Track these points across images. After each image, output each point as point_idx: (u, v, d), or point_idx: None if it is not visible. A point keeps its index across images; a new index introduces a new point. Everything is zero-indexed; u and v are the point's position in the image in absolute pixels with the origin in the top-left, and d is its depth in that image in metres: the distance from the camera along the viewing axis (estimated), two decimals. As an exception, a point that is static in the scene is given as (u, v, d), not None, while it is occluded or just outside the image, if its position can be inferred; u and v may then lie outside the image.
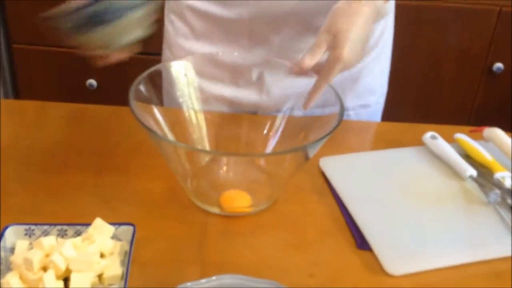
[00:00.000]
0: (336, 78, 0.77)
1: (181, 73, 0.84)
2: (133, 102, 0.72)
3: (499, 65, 1.75)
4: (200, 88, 0.86)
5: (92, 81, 1.80)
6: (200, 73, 0.86)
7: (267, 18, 0.90)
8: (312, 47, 0.76)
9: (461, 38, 1.73)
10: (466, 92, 1.83)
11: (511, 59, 1.74)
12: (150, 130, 0.70)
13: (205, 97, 0.87)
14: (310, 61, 0.75)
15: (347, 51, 0.74)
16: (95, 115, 0.95)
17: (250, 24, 0.91)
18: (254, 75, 0.89)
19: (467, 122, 1.87)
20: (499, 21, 1.69)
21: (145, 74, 0.77)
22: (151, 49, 1.74)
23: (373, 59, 0.99)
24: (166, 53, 1.06)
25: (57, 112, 0.90)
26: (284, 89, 0.93)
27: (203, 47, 0.96)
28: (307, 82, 0.86)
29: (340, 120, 0.72)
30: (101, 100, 1.81)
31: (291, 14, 0.89)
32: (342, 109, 0.74)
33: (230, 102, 0.95)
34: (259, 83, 0.93)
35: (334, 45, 0.75)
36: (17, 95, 1.85)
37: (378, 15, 0.79)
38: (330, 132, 0.71)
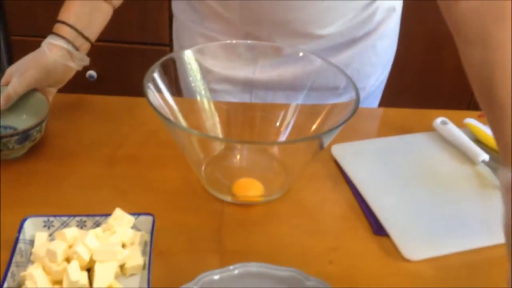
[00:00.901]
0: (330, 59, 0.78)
1: (192, 60, 0.84)
2: (149, 91, 0.72)
3: (499, 50, 1.75)
4: (201, 66, 0.86)
5: (92, 72, 1.79)
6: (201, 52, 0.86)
7: (257, 23, 0.91)
8: None
9: (462, 24, 1.73)
10: (466, 77, 1.83)
11: (511, 44, 1.75)
12: (166, 118, 0.69)
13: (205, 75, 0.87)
14: None
15: None
16: (100, 106, 0.94)
17: (241, 25, 0.92)
18: (248, 55, 0.89)
19: (468, 107, 1.87)
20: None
21: (158, 63, 0.77)
22: (151, 39, 1.74)
23: (371, 43, 0.99)
24: (175, 42, 1.07)
25: (62, 102, 0.90)
26: (277, 70, 0.93)
27: (207, 29, 0.95)
28: (300, 66, 0.87)
29: (356, 109, 0.72)
30: (101, 91, 1.81)
31: (278, 23, 0.90)
32: (358, 97, 0.74)
33: (224, 78, 0.94)
34: (253, 63, 0.93)
35: None
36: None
37: None
38: (346, 121, 0.71)
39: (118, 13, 1.89)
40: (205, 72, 0.86)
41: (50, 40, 0.83)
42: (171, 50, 1.55)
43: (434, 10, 1.86)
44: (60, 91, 0.95)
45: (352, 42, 0.96)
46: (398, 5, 1.00)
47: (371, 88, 1.05)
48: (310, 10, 0.89)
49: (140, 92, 0.73)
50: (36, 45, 1.85)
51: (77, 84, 1.91)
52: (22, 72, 0.81)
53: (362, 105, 0.97)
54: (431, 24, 1.73)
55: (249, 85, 0.95)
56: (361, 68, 0.99)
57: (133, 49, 1.78)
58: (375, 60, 1.01)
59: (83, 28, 0.84)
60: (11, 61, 1.81)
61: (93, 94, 0.97)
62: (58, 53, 0.82)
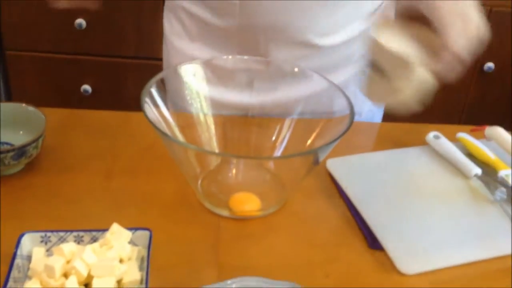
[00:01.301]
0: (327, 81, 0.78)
1: (190, 76, 0.84)
2: (146, 106, 0.72)
3: (490, 65, 1.78)
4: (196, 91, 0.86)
5: (87, 87, 1.80)
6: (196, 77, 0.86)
7: (255, 30, 0.91)
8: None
9: (453, 39, 1.75)
10: (458, 91, 1.85)
11: (502, 58, 1.77)
12: (163, 133, 0.70)
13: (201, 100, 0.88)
14: None
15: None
16: (95, 120, 0.95)
17: (238, 34, 0.92)
18: (244, 78, 0.90)
19: (459, 121, 1.89)
20: (489, 21, 1.71)
21: (157, 77, 0.78)
22: (146, 53, 1.75)
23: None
24: (165, 55, 1.07)
25: (57, 117, 0.90)
26: (274, 93, 0.94)
27: (196, 49, 0.96)
28: (297, 87, 0.88)
29: (351, 123, 0.73)
30: (96, 105, 1.82)
31: (277, 28, 0.91)
32: (352, 112, 0.75)
33: (220, 104, 0.95)
34: (249, 87, 0.94)
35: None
36: (10, 101, 1.84)
37: None
38: (341, 136, 0.72)
39: (113, 28, 1.91)
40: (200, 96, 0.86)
41: None
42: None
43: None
44: (56, 105, 0.95)
45: (350, 60, 0.97)
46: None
47: (368, 114, 1.05)
48: (310, 14, 0.88)
49: (135, 106, 0.74)
50: (31, 60, 1.86)
51: (72, 98, 1.92)
52: None
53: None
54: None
55: (245, 109, 0.95)
56: (358, 91, 1.00)
57: (128, 64, 1.79)
58: None
59: None
60: (6, 76, 1.81)
61: (88, 109, 0.98)
62: None
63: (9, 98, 1.84)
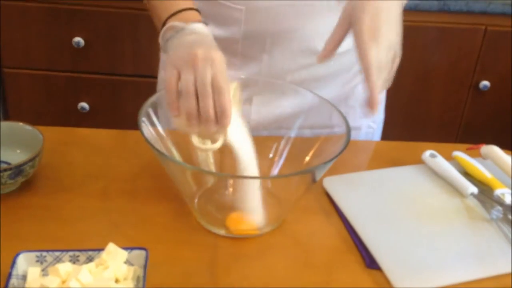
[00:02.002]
0: (326, 96, 0.77)
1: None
2: (143, 125, 0.72)
3: (485, 83, 1.79)
4: None
5: (84, 104, 1.80)
6: None
7: (258, 38, 0.91)
8: (332, 31, 0.74)
9: (448, 57, 1.76)
10: (454, 109, 1.86)
11: (497, 76, 1.78)
12: (161, 153, 0.70)
13: None
14: (329, 50, 0.74)
15: (373, 56, 0.69)
16: (92, 139, 0.95)
17: (242, 44, 0.92)
18: (243, 94, 0.90)
19: (455, 139, 1.90)
20: (484, 40, 1.73)
21: (154, 97, 0.78)
22: (143, 71, 1.76)
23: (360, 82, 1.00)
24: (161, 74, 1.07)
25: (54, 136, 0.90)
26: (274, 108, 0.94)
27: None
28: (295, 102, 0.88)
29: (347, 143, 0.73)
30: (93, 123, 1.82)
31: (281, 35, 0.91)
32: (349, 131, 0.75)
33: None
34: (247, 103, 0.94)
35: (359, 56, 0.71)
36: (7, 119, 1.84)
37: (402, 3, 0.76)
38: (338, 155, 0.72)
39: (111, 45, 1.92)
40: None
41: (197, 25, 0.74)
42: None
43: (420, 42, 1.90)
44: (53, 122, 0.95)
45: (351, 70, 0.97)
46: None
47: (367, 130, 1.05)
48: (316, 20, 0.87)
49: (132, 124, 0.74)
50: (28, 78, 1.86)
51: (70, 116, 1.93)
52: (210, 59, 0.68)
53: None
54: (417, 57, 1.76)
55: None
56: (357, 105, 1.00)
57: (126, 81, 1.79)
58: None
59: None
60: (2, 93, 1.81)
61: (85, 126, 0.98)
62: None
63: (6, 115, 1.84)
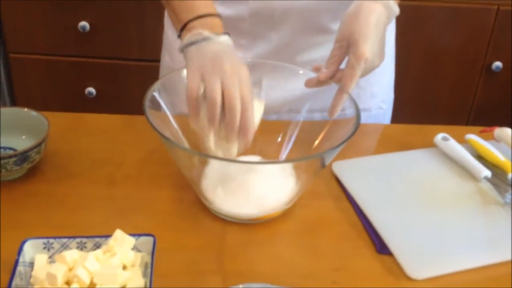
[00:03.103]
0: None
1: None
2: (149, 111, 0.71)
3: (497, 64, 1.76)
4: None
5: (91, 89, 1.79)
6: None
7: (267, 15, 0.89)
8: (328, 59, 0.77)
9: (460, 37, 1.73)
10: (465, 91, 1.83)
11: (509, 57, 1.75)
12: (167, 139, 0.69)
13: None
14: (326, 74, 0.77)
15: (367, 48, 0.74)
16: (99, 124, 0.94)
17: (250, 22, 0.91)
18: (251, 77, 0.88)
19: (467, 121, 1.87)
20: (497, 19, 1.70)
21: (159, 82, 0.76)
22: (149, 56, 1.74)
23: None
24: (165, 58, 1.05)
25: (60, 122, 0.89)
26: (283, 91, 0.92)
27: None
28: (303, 84, 0.86)
29: (357, 127, 0.72)
30: (100, 108, 1.81)
31: (291, 11, 0.89)
32: (358, 114, 0.74)
33: None
34: (257, 87, 0.93)
35: (352, 47, 0.75)
36: (14, 105, 1.83)
37: (391, 13, 0.79)
38: (347, 139, 0.70)
39: (116, 30, 1.90)
40: None
41: (224, 38, 0.74)
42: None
43: (430, 23, 1.86)
44: (60, 108, 0.94)
45: None
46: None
47: (378, 111, 1.03)
48: None
49: (139, 108, 0.73)
50: (34, 63, 1.85)
51: (77, 101, 1.92)
52: (237, 74, 0.69)
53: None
54: (428, 38, 1.73)
55: None
56: (367, 86, 0.99)
57: (132, 66, 1.78)
58: (381, 79, 1.00)
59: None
60: (9, 79, 1.81)
61: (92, 111, 0.97)
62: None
63: (13, 101, 1.84)
